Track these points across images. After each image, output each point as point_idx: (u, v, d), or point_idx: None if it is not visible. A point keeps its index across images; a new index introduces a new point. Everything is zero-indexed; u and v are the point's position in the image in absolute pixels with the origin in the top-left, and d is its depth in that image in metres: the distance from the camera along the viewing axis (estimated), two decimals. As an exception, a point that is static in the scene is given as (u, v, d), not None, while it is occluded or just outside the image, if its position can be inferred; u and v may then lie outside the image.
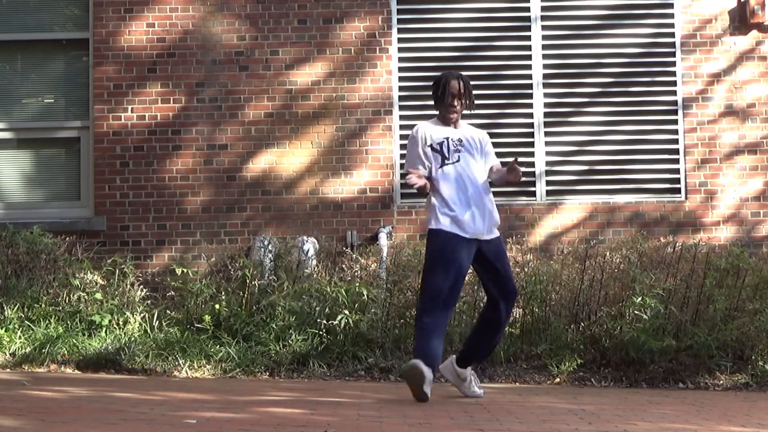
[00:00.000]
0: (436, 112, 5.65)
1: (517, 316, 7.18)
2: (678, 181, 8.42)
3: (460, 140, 5.50)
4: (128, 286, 7.45)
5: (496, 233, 5.53)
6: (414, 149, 5.53)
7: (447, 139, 5.49)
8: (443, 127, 5.56)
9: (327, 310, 6.94)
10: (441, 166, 5.45)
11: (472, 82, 5.65)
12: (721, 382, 6.57)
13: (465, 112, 5.62)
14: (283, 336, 6.87)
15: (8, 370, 6.57)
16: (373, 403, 5.29)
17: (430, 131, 5.54)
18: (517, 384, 6.48)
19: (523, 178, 8.25)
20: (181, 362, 6.65)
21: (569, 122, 8.50)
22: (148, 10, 8.46)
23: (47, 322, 7.06)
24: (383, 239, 8.01)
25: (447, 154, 5.46)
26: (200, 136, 8.40)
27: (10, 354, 6.80)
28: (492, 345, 5.63)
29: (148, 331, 7.09)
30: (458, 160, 5.45)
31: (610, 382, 6.57)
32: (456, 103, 5.52)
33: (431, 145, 5.49)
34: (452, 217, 5.37)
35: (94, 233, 8.18)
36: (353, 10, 8.48)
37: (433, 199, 5.47)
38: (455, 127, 5.57)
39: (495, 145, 5.80)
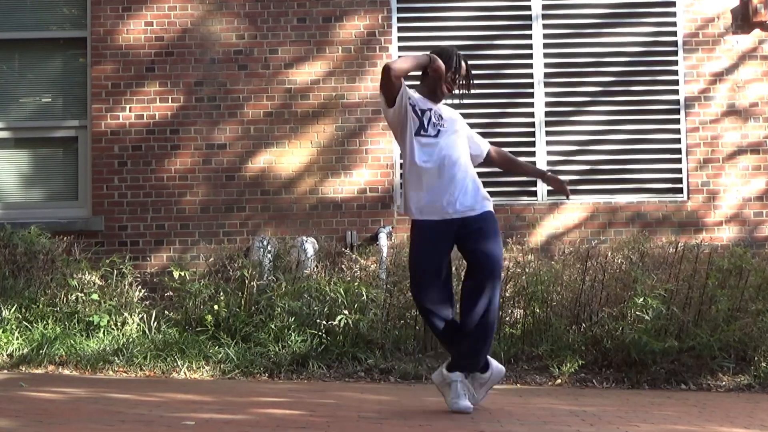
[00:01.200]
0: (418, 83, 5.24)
1: (518, 316, 7.16)
2: (680, 180, 8.39)
3: (440, 116, 5.12)
4: (126, 287, 7.41)
5: (486, 207, 5.05)
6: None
7: (431, 110, 5.08)
8: (427, 100, 5.17)
9: (326, 310, 6.91)
10: (417, 135, 5.02)
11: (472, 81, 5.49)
12: (724, 383, 6.53)
13: (452, 101, 5.35)
14: (282, 337, 6.83)
15: (6, 371, 6.54)
16: (373, 405, 5.27)
17: (414, 95, 5.18)
18: (518, 385, 6.45)
19: (523, 178, 8.38)
20: (179, 363, 6.61)
21: (570, 122, 8.46)
22: (146, 8, 8.43)
23: (45, 322, 7.03)
24: (383, 239, 7.98)
25: (426, 125, 5.03)
26: (199, 135, 8.36)
27: (7, 355, 6.77)
28: (461, 350, 4.94)
29: (147, 331, 7.06)
30: (437, 135, 5.02)
31: (611, 383, 6.54)
32: (458, 82, 5.17)
33: (413, 105, 5.08)
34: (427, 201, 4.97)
35: (92, 233, 8.15)
36: (353, 8, 8.44)
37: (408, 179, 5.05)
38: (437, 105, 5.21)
39: (496, 144, 5.64)
